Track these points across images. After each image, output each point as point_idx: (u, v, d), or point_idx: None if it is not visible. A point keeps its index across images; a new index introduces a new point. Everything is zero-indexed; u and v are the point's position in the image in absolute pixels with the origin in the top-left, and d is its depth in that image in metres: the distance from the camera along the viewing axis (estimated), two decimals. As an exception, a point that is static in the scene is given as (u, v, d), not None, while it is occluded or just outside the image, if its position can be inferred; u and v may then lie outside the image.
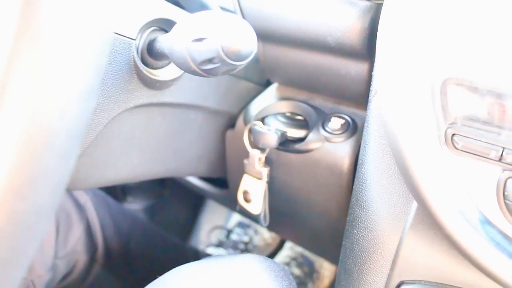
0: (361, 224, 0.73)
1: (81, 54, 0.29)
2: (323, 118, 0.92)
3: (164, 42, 0.64)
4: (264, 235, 1.93)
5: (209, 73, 0.56)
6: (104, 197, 1.32)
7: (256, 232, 1.93)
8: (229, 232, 1.95)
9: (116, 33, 0.65)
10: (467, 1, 0.53)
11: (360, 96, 0.86)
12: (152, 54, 0.70)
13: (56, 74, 0.27)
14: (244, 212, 1.06)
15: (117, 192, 1.78)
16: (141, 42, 0.69)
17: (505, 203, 0.54)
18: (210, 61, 0.54)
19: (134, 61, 0.68)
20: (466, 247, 0.56)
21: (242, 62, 0.54)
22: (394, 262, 0.69)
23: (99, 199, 1.27)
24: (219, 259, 0.75)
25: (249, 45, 0.54)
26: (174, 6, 0.76)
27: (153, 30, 0.71)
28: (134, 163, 0.86)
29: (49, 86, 0.26)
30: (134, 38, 0.68)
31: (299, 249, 1.83)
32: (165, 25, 0.72)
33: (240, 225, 1.97)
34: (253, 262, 0.72)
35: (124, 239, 1.32)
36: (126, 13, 0.66)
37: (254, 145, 0.96)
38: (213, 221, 2.04)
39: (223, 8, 1.02)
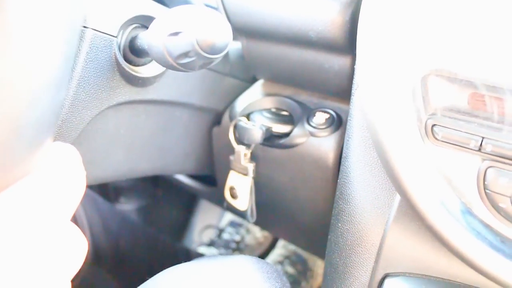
0: (345, 217, 0.73)
1: (48, 43, 0.28)
2: (308, 113, 0.92)
3: (144, 38, 0.64)
4: (256, 234, 1.93)
5: (186, 67, 0.56)
6: (92, 196, 1.32)
7: (248, 231, 1.94)
8: (221, 231, 1.96)
9: (97, 30, 0.65)
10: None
11: (344, 90, 0.86)
12: (134, 51, 0.70)
13: (23, 64, 0.27)
14: (231, 209, 1.06)
15: (109, 192, 1.78)
16: (123, 39, 0.69)
17: (485, 193, 0.55)
18: (186, 54, 0.54)
19: (116, 58, 0.68)
20: (448, 238, 0.56)
21: (217, 55, 0.55)
22: (378, 255, 0.69)
23: (87, 198, 1.26)
24: (211, 260, 0.75)
25: (223, 38, 0.54)
26: (156, 3, 0.76)
27: (135, 27, 0.71)
28: (120, 161, 0.86)
29: (15, 75, 0.26)
30: (116, 36, 0.67)
31: (292, 247, 1.83)
32: (146, 22, 0.72)
33: (232, 224, 1.97)
34: (245, 263, 0.72)
35: (113, 238, 1.32)
36: (107, 10, 0.66)
37: (240, 141, 0.96)
38: (205, 221, 2.05)
39: (206, 5, 1.02)
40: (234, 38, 0.99)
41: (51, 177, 0.33)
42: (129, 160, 0.88)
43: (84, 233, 1.20)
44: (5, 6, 0.25)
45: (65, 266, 0.34)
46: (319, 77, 0.89)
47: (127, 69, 0.70)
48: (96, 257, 1.22)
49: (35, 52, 0.27)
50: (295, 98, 0.97)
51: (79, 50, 0.64)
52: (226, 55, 0.97)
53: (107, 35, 0.66)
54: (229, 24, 0.55)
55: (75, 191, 0.35)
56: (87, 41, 0.64)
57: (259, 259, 0.75)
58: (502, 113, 0.51)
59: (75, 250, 0.35)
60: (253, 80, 1.07)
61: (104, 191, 1.73)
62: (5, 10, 0.25)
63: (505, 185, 0.53)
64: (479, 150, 0.54)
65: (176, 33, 0.53)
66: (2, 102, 0.26)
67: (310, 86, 0.95)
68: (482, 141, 0.53)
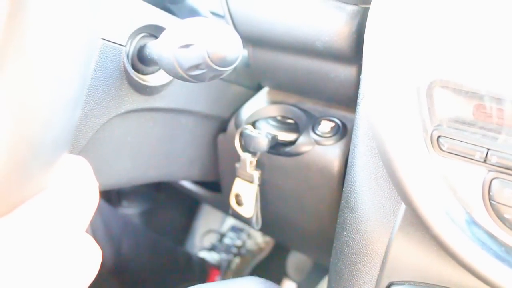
0: (350, 226, 0.74)
1: (66, 64, 0.29)
2: (313, 122, 0.93)
3: (153, 48, 0.65)
4: (257, 239, 1.94)
5: (196, 78, 0.57)
6: None
7: (249, 236, 1.94)
8: (222, 236, 1.96)
9: (106, 40, 0.65)
10: (451, 6, 0.53)
11: (349, 99, 0.87)
12: (142, 60, 0.71)
13: (41, 84, 0.27)
14: (236, 216, 1.06)
15: (112, 196, 1.78)
16: (131, 48, 0.70)
17: (491, 204, 0.55)
18: (196, 67, 0.54)
19: (125, 67, 0.69)
20: (453, 248, 0.57)
21: (228, 68, 0.55)
22: (383, 263, 0.70)
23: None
24: (220, 283, 0.75)
25: (234, 51, 0.54)
26: (163, 12, 0.77)
27: (143, 36, 0.72)
28: (126, 168, 0.87)
29: (33, 96, 0.26)
30: (124, 45, 0.68)
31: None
32: (154, 31, 0.72)
33: (233, 229, 1.97)
34: (254, 286, 0.72)
35: (115, 242, 1.32)
36: (116, 20, 0.67)
37: (245, 148, 0.97)
38: (207, 225, 2.05)
39: (213, 13, 1.03)
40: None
41: (66, 191, 0.34)
42: (136, 167, 0.89)
43: None
44: (25, 28, 0.25)
45: (81, 277, 0.34)
46: (324, 86, 0.89)
47: (135, 77, 0.71)
48: None
49: (55, 74, 0.28)
50: (301, 106, 0.98)
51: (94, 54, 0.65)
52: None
53: (116, 45, 0.67)
54: (239, 37, 0.56)
55: (89, 203, 0.36)
56: (97, 51, 0.65)
57: (267, 280, 0.75)
58: (506, 124, 0.52)
59: (90, 260, 0.36)
60: (259, 87, 1.08)
61: (107, 195, 1.73)
62: (25, 32, 0.25)
63: (510, 196, 0.54)
64: (484, 161, 0.54)
65: (187, 46, 0.54)
66: (20, 122, 0.26)
67: (315, 95, 0.96)
68: (487, 152, 0.54)
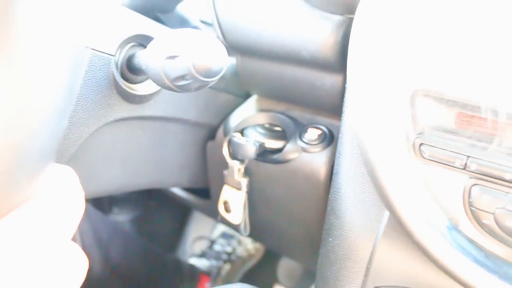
0: (336, 232, 0.75)
1: (53, 75, 0.29)
2: (301, 129, 0.94)
3: (141, 58, 0.66)
4: (248, 246, 1.94)
5: (182, 88, 0.58)
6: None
7: (239, 242, 1.94)
8: (213, 242, 1.96)
9: (96, 50, 0.66)
10: (433, 16, 0.55)
11: (336, 107, 0.88)
12: (131, 69, 0.72)
13: (27, 94, 0.27)
14: (225, 222, 1.07)
15: (103, 203, 1.78)
16: (121, 57, 0.71)
17: (470, 210, 0.56)
18: (182, 77, 0.56)
19: (114, 77, 0.70)
20: (434, 253, 0.58)
21: (213, 79, 0.57)
22: (368, 269, 0.71)
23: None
24: None
25: (219, 63, 0.56)
26: (153, 22, 0.78)
27: (132, 46, 0.73)
28: (116, 176, 0.87)
29: (19, 106, 0.27)
30: (113, 54, 0.69)
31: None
32: (143, 41, 0.73)
33: (224, 235, 1.98)
34: None
35: (104, 248, 1.32)
36: (105, 29, 0.68)
37: (233, 156, 0.98)
38: (197, 232, 2.05)
39: (202, 22, 1.04)
40: (229, 54, 1.01)
41: (51, 200, 0.34)
42: (125, 174, 0.90)
43: (75, 242, 1.20)
44: (11, 37, 0.25)
45: (66, 285, 0.35)
46: (311, 94, 0.90)
47: (124, 87, 0.72)
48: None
49: (41, 84, 0.28)
50: (288, 114, 0.99)
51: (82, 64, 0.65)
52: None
53: (106, 54, 0.68)
54: (224, 49, 0.57)
55: (74, 212, 0.37)
56: (86, 61, 0.66)
57: (254, 287, 0.76)
58: (486, 132, 0.53)
59: (76, 268, 0.36)
60: (247, 95, 1.09)
61: (98, 201, 1.73)
62: (11, 41, 0.25)
63: (489, 202, 0.55)
64: (465, 168, 0.55)
65: (173, 57, 0.55)
66: (5, 132, 0.26)
67: (303, 103, 0.97)
68: (467, 160, 0.55)
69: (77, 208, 0.37)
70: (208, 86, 0.59)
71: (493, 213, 0.55)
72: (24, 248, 0.31)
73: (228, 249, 1.91)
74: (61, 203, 0.35)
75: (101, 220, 1.42)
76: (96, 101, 0.70)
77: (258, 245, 1.94)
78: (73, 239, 1.16)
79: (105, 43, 0.68)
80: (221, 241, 1.96)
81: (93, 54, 0.66)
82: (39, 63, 0.28)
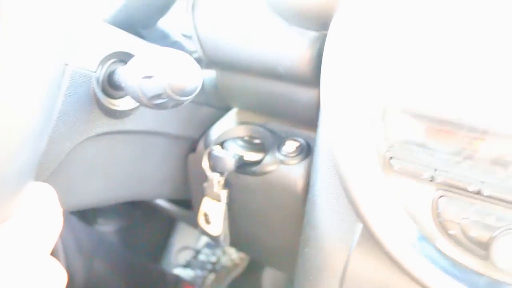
0: (311, 242, 0.77)
1: (31, 98, 0.29)
2: (279, 142, 0.96)
3: (121, 75, 0.67)
4: (232, 256, 1.94)
5: (159, 107, 0.60)
6: (66, 216, 1.33)
7: (224, 252, 1.94)
8: (197, 252, 1.96)
9: (77, 67, 0.68)
10: (401, 33, 0.57)
11: (313, 120, 0.89)
12: (112, 85, 0.73)
13: (4, 118, 0.28)
14: (205, 233, 1.08)
15: (88, 214, 1.78)
16: (102, 73, 0.72)
17: (439, 221, 0.58)
18: (158, 96, 0.57)
19: (94, 92, 0.71)
20: (404, 264, 0.60)
21: (188, 97, 0.59)
22: (342, 279, 0.72)
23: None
24: None
25: (193, 82, 0.58)
26: (134, 38, 0.79)
27: (113, 62, 0.74)
28: (97, 189, 0.89)
29: None
30: (94, 71, 0.70)
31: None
32: (124, 57, 0.75)
33: (209, 245, 1.98)
34: None
35: (87, 258, 1.32)
36: (86, 46, 0.69)
37: (213, 168, 0.99)
38: (182, 242, 2.05)
39: (184, 35, 1.06)
40: (210, 68, 1.02)
41: (29, 218, 0.36)
42: (108, 187, 0.91)
43: (57, 253, 1.20)
44: None
45: None
46: (289, 108, 0.92)
47: (105, 102, 0.73)
48: (69, 278, 1.22)
49: (18, 106, 0.29)
50: (267, 126, 1.01)
51: (59, 86, 0.67)
52: (202, 85, 1.00)
53: (86, 71, 0.70)
54: (199, 68, 0.59)
55: (52, 228, 0.38)
56: (67, 78, 0.67)
57: None
58: (453, 145, 0.55)
59: (55, 283, 0.38)
60: (228, 108, 1.10)
61: (82, 212, 1.73)
62: None
63: (455, 213, 0.57)
64: (432, 180, 0.57)
65: (149, 77, 0.57)
66: None
67: (281, 115, 0.98)
68: (434, 172, 0.57)
69: (55, 224, 0.39)
70: (184, 103, 0.61)
71: (459, 224, 0.57)
72: (3, 264, 0.33)
73: (213, 259, 1.91)
74: (39, 220, 0.36)
75: (84, 231, 1.42)
76: (77, 117, 0.71)
77: (242, 255, 1.94)
78: (56, 251, 1.17)
79: (86, 60, 0.69)
80: (206, 251, 1.96)
81: (74, 72, 0.67)
82: (16, 85, 0.28)
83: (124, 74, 0.62)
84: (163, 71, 0.56)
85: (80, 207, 0.89)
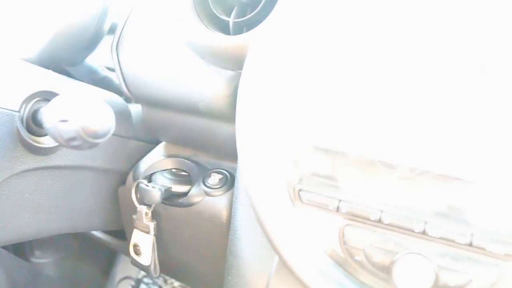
0: (233, 271, 0.79)
1: None
2: (204, 174, 0.98)
3: (42, 115, 0.70)
4: (174, 284, 1.94)
5: (75, 148, 0.62)
6: None
7: (165, 281, 1.94)
8: (139, 282, 1.96)
9: None
10: (308, 72, 0.60)
11: (235, 153, 0.92)
12: (36, 123, 0.75)
13: None
14: (136, 264, 1.10)
15: (24, 247, 1.76)
16: (26, 112, 0.74)
17: (346, 248, 0.62)
18: (73, 139, 0.60)
19: (18, 131, 0.73)
20: (315, 290, 0.63)
21: (101, 140, 0.62)
22: (262, 306, 0.75)
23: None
24: None
25: (105, 125, 0.61)
26: (59, 76, 0.81)
27: (38, 101, 0.76)
28: (26, 223, 0.89)
29: None
30: (18, 110, 0.72)
31: None
32: (48, 96, 0.76)
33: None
34: None
35: None
36: (8, 87, 0.71)
37: (141, 201, 1.01)
38: (124, 272, 2.04)
39: (108, 68, 1.08)
40: (138, 102, 1.05)
41: None
42: (36, 221, 0.92)
43: None
44: None
45: None
46: (212, 141, 0.95)
47: (29, 140, 0.74)
48: None
49: None
50: (194, 159, 1.03)
51: None
52: (129, 119, 1.03)
53: (9, 111, 0.71)
54: (111, 112, 0.62)
55: None
56: None
57: None
58: (355, 177, 0.59)
59: None
60: (157, 141, 1.13)
61: (17, 246, 1.71)
62: None
63: (359, 240, 0.60)
64: (337, 210, 0.61)
65: (64, 121, 0.60)
66: None
67: (206, 148, 1.01)
68: (339, 203, 0.61)
69: None
70: (98, 145, 0.63)
71: (363, 250, 0.61)
72: None
73: (154, 288, 1.91)
74: None
75: (17, 265, 1.40)
76: (0, 155, 0.73)
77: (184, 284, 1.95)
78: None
79: (9, 100, 0.71)
80: (147, 280, 1.96)
81: None
82: None
83: (44, 116, 0.64)
84: (76, 116, 0.59)
85: (8, 242, 0.90)
